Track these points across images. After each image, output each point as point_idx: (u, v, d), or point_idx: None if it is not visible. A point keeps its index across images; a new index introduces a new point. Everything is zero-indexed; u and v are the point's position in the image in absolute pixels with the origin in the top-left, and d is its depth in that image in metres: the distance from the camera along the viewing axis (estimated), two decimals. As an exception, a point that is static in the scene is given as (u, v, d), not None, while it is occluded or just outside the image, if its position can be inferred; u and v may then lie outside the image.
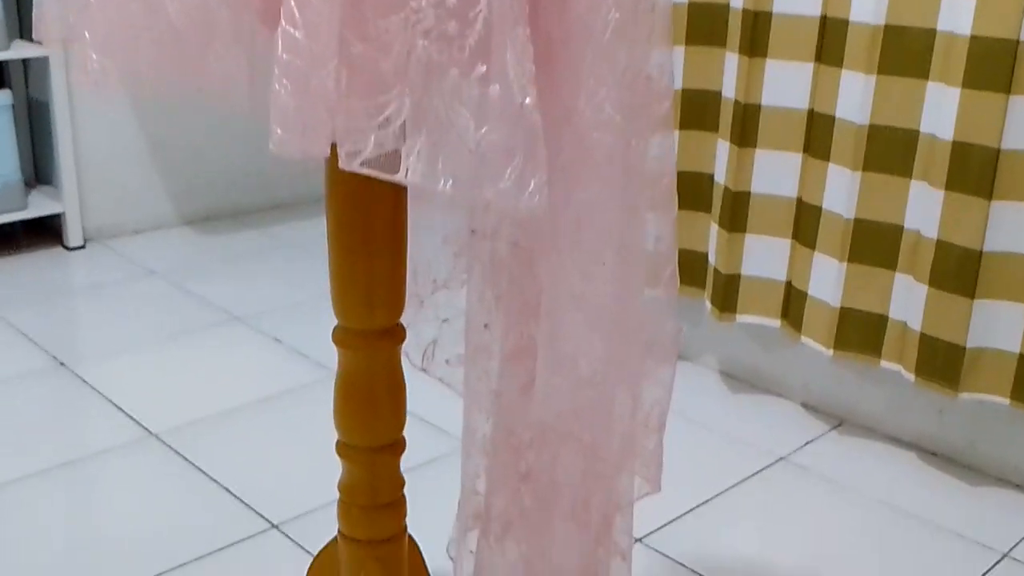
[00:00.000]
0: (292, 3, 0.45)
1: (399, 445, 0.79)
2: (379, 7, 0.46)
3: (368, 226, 0.74)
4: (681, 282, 1.48)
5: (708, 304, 1.62)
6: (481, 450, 0.88)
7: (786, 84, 1.44)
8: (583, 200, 0.54)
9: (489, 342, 0.81)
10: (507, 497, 0.89)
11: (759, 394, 1.66)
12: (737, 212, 1.53)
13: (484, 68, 0.44)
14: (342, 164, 0.48)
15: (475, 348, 0.83)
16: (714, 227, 1.57)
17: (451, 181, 0.44)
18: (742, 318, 1.58)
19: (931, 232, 1.32)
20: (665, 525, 1.30)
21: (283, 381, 1.65)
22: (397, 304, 0.77)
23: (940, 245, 1.31)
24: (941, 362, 1.34)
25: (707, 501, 1.36)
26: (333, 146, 0.52)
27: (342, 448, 0.79)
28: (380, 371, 0.77)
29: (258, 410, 1.57)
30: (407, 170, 0.45)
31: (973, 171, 1.27)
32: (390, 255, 0.76)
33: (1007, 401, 1.32)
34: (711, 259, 1.60)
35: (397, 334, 0.77)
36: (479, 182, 0.45)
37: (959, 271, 1.30)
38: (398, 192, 0.74)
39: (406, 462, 0.82)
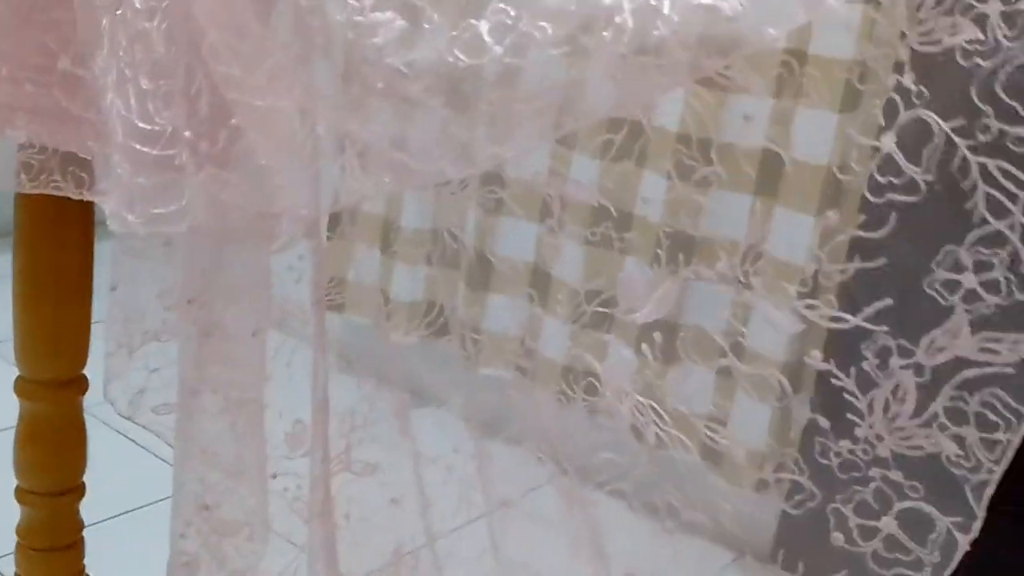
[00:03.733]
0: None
1: (79, 490, 0.83)
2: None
3: (57, 275, 0.77)
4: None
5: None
6: (191, 509, 0.91)
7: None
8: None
9: (196, 408, 0.85)
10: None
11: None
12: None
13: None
14: None
15: (186, 413, 0.86)
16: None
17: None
18: (486, 362, 1.67)
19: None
20: None
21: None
22: (82, 355, 0.80)
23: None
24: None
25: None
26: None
27: (21, 494, 0.81)
28: (63, 421, 0.80)
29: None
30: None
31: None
32: (78, 305, 0.79)
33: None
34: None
35: (81, 384, 0.81)
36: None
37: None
38: (87, 240, 0.78)
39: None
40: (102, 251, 0.81)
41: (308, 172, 0.50)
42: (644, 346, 1.42)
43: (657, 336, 1.43)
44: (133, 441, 0.96)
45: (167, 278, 0.92)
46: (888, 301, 0.69)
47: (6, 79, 0.52)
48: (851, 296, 0.72)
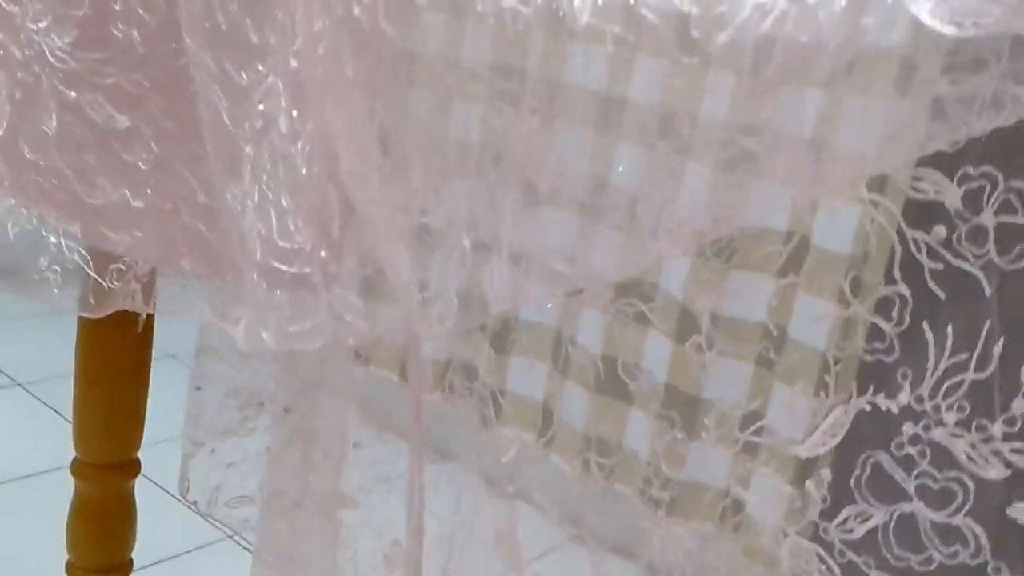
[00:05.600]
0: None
1: (127, 568, 0.86)
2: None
3: (114, 366, 0.81)
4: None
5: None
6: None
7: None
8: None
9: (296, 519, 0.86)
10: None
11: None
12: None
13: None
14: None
15: (290, 525, 0.86)
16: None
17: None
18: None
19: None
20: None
21: (56, 457, 1.66)
22: (135, 439, 0.84)
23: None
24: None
25: None
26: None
27: (71, 568, 0.85)
28: (115, 502, 0.84)
29: (23, 488, 1.57)
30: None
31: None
32: (134, 392, 0.83)
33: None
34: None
35: (133, 467, 0.84)
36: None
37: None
38: (145, 335, 0.81)
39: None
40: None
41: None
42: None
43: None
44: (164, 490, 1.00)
45: (244, 378, 0.93)
46: None
47: (170, 213, 0.54)
48: None
